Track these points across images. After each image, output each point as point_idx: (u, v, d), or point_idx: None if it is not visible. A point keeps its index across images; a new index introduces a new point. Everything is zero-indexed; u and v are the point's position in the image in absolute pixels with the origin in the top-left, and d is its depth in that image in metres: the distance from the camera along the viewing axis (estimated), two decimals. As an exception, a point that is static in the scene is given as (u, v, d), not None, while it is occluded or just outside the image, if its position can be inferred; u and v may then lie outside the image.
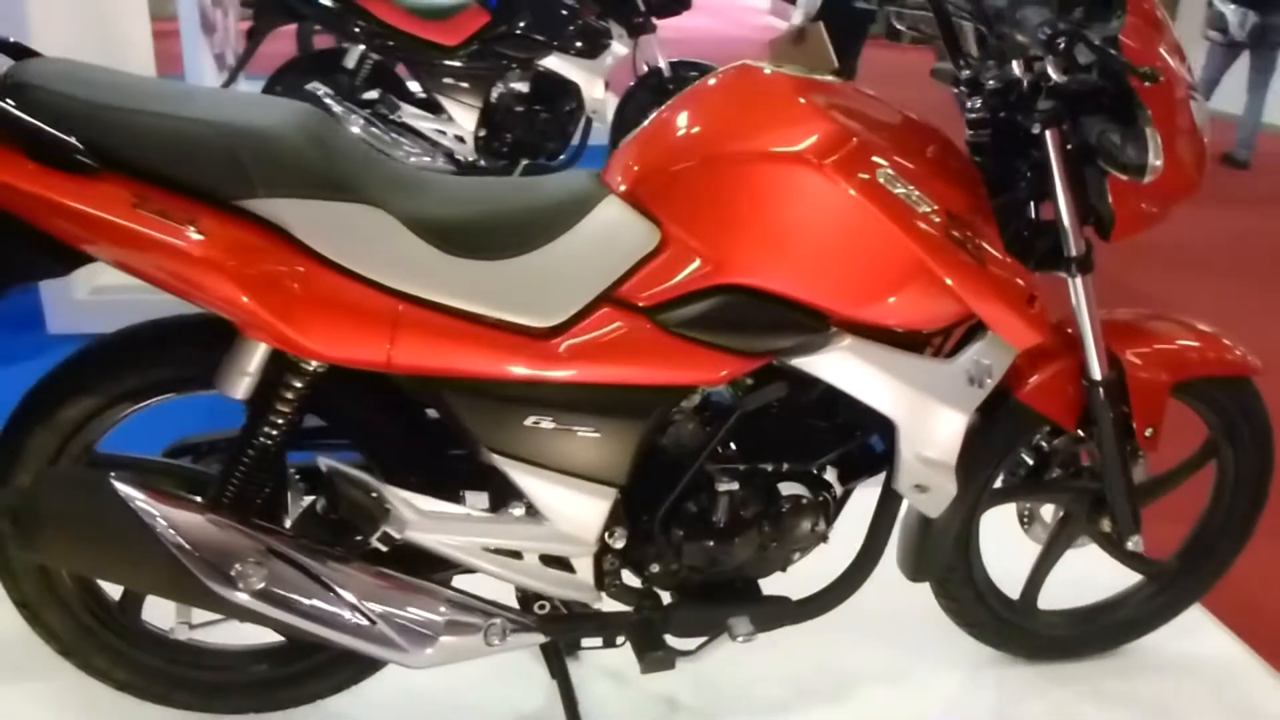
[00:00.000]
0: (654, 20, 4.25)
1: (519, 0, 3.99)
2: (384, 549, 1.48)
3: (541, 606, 1.64)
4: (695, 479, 1.59)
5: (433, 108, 4.03)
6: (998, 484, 1.89)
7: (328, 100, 3.83)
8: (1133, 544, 1.88)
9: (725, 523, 1.60)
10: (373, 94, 3.93)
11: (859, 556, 1.74)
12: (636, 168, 1.47)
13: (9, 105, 1.25)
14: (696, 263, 1.44)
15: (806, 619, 1.74)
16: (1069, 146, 1.56)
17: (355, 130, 3.84)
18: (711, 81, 1.53)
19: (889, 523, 1.73)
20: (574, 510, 1.53)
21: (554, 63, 4.03)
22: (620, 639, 1.68)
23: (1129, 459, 1.80)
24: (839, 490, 1.69)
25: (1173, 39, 1.53)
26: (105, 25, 3.67)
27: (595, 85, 4.06)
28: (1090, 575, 2.05)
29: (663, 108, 1.55)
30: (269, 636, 1.61)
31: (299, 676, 1.72)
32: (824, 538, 1.69)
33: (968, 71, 1.62)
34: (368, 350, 1.37)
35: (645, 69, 4.50)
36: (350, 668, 1.72)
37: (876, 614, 2.05)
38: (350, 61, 3.93)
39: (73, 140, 1.26)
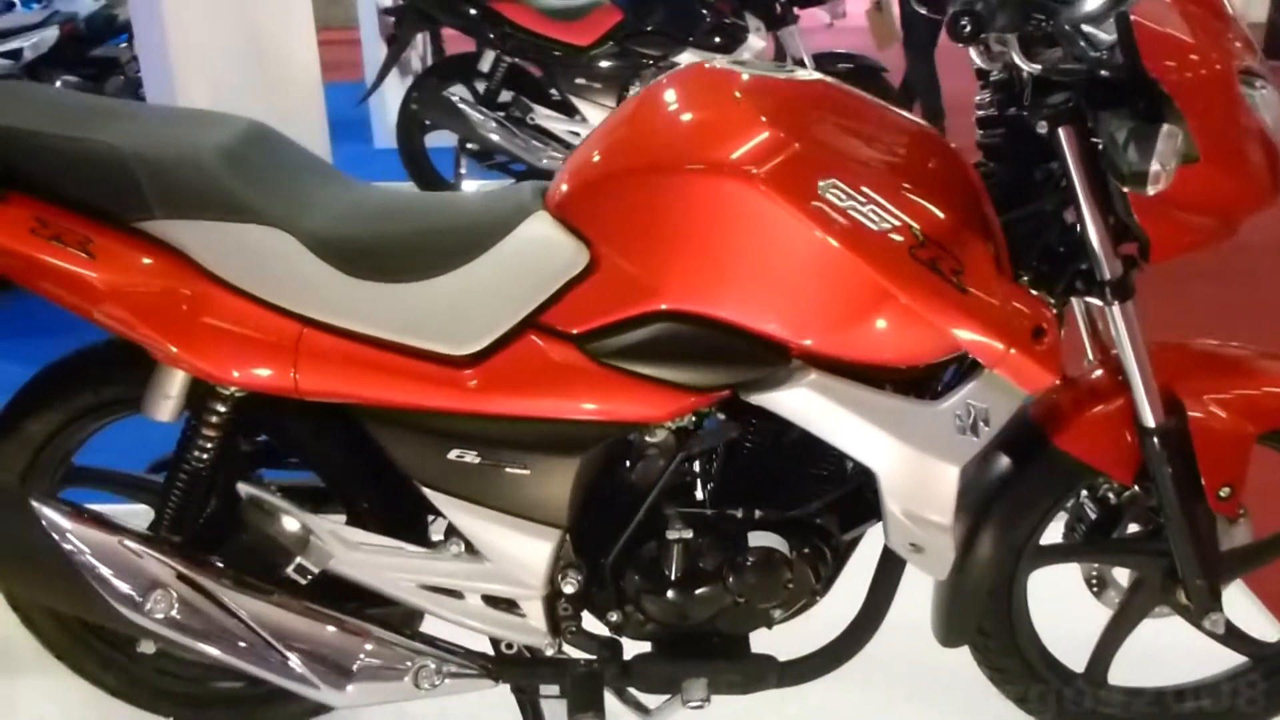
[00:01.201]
0: (795, 10, 4.03)
1: (653, -2, 3.89)
2: (301, 581, 1.42)
3: (509, 648, 1.54)
4: (650, 523, 1.43)
5: (567, 109, 3.98)
6: (1049, 540, 1.64)
7: (463, 106, 3.87)
8: (1210, 623, 1.57)
9: (680, 574, 1.43)
10: (507, 97, 3.93)
11: (858, 618, 1.53)
12: (566, 180, 1.33)
13: None
14: (629, 287, 1.29)
15: (792, 684, 1.54)
16: (1094, 148, 1.29)
17: (492, 136, 3.86)
18: (658, 84, 1.37)
19: (891, 582, 1.51)
20: (514, 550, 1.41)
21: (689, 59, 3.89)
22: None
23: (1203, 520, 1.49)
24: (839, 541, 1.50)
25: (1224, 14, 1.24)
26: (267, 34, 3.87)
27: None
28: (1187, 650, 1.71)
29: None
30: None
31: (273, 696, 1.69)
32: (815, 593, 1.50)
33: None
34: (273, 377, 1.32)
35: (788, 63, 4.29)
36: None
37: (919, 673, 1.84)
38: (485, 65, 3.94)
39: (-21, 163, 1.27)
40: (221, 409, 1.40)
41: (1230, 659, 1.72)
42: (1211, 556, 1.52)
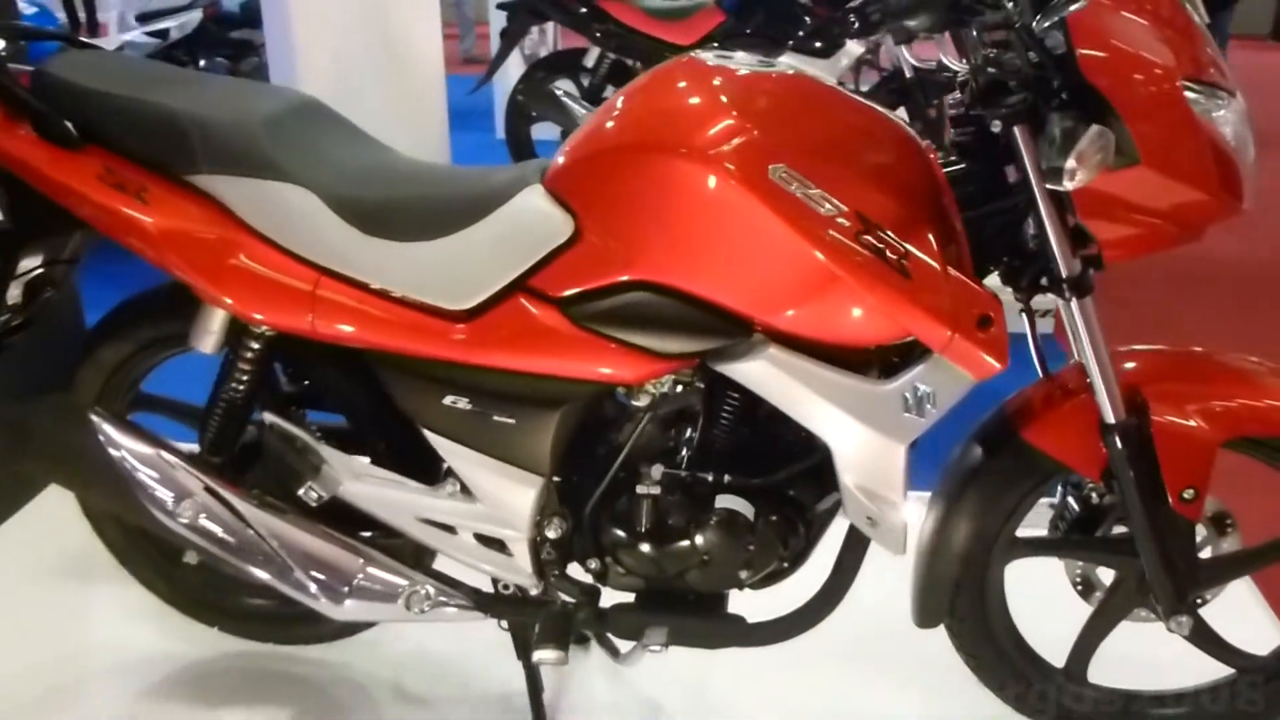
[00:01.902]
0: (893, 18, 4.05)
1: (756, 1, 3.97)
2: (312, 504, 1.59)
3: (506, 588, 1.68)
4: (628, 479, 1.55)
5: (667, 106, 4.10)
6: (1032, 534, 1.69)
7: (566, 99, 4.04)
8: (1175, 624, 1.59)
9: (650, 528, 1.55)
10: (609, 92, 4.09)
11: (823, 589, 1.61)
12: (561, 158, 1.46)
13: (20, 88, 1.49)
14: (607, 256, 1.41)
15: (758, 644, 1.64)
16: None
17: None
18: (648, 74, 1.48)
19: (856, 556, 1.58)
20: (501, 493, 1.55)
21: (788, 61, 3.96)
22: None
23: (1167, 521, 1.52)
24: (812, 514, 1.58)
25: (1178, 23, 1.28)
26: (393, 24, 4.10)
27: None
28: (1185, 657, 1.71)
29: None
30: None
31: (302, 616, 1.87)
32: (782, 559, 1.59)
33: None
34: (291, 318, 1.49)
35: (888, 70, 4.30)
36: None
37: (906, 656, 1.90)
38: (590, 61, 4.10)
39: (61, 118, 1.48)
40: (255, 345, 1.59)
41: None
42: (1178, 558, 1.55)
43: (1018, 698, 1.75)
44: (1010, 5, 1.26)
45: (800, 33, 3.92)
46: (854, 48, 4.00)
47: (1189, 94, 1.27)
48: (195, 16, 4.82)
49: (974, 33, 1.34)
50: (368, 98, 3.70)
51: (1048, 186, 1.27)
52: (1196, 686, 1.74)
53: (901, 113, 3.82)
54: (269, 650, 1.95)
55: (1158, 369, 1.53)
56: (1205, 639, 1.66)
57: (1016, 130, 1.32)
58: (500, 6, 4.39)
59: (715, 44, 4.07)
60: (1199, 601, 1.65)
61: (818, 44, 3.98)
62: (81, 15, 4.93)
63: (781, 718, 1.85)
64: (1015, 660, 1.73)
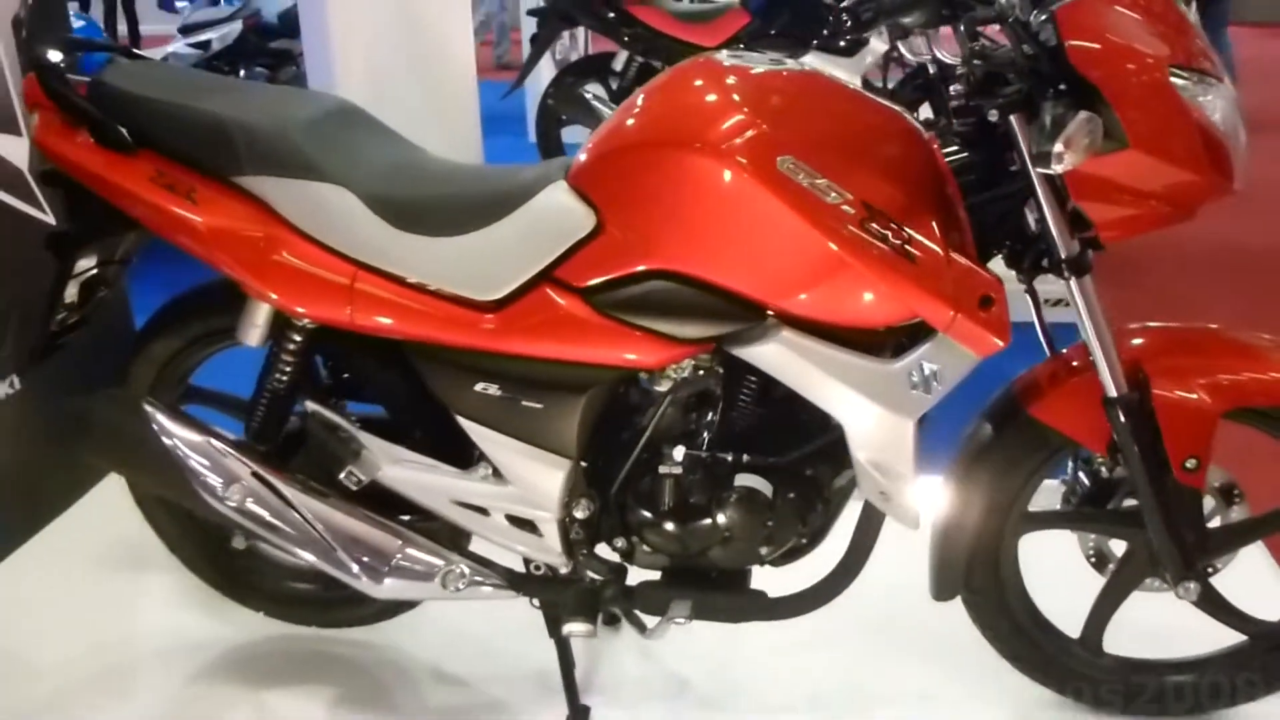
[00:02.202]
0: (916, 18, 4.09)
1: (780, 1, 4.03)
2: (353, 488, 1.68)
3: (537, 568, 1.76)
4: (651, 461, 1.62)
5: (693, 107, 4.18)
6: (1045, 508, 1.75)
7: (596, 103, 4.12)
8: (1183, 590, 1.64)
9: (673, 506, 1.62)
10: (637, 94, 4.16)
11: (841, 563, 1.68)
12: (583, 155, 1.54)
13: (78, 96, 1.60)
14: (627, 247, 1.48)
15: (780, 618, 1.71)
16: None
17: None
18: (665, 73, 1.56)
19: (872, 530, 1.65)
20: (530, 476, 1.63)
21: (812, 61, 4.01)
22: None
23: (1171, 490, 1.57)
24: (829, 491, 1.65)
25: (1164, 12, 1.34)
26: (426, 33, 4.21)
27: (854, 82, 4.01)
28: (1200, 626, 1.77)
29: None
30: None
31: (344, 600, 1.97)
32: (801, 536, 1.65)
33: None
34: (331, 310, 1.58)
35: (913, 66, 4.35)
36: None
37: (925, 632, 1.97)
38: (618, 64, 4.19)
39: (116, 125, 1.58)
40: (297, 338, 1.68)
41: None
42: (1184, 526, 1.60)
43: (1034, 669, 1.81)
44: (1002, 1, 1.32)
45: (825, 32, 3.98)
46: (878, 45, 4.04)
47: (1177, 80, 1.33)
48: (236, 28, 4.97)
49: (962, 27, 1.40)
50: (404, 104, 3.80)
51: (1040, 170, 1.33)
52: (1209, 654, 1.79)
53: (926, 109, 3.88)
54: (311, 633, 2.04)
55: (1158, 344, 1.58)
56: (1216, 605, 1.71)
57: (1013, 119, 1.39)
58: (531, 13, 4.48)
59: (741, 45, 4.14)
60: (1210, 570, 1.70)
61: (841, 43, 4.04)
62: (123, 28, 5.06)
63: (804, 693, 1.90)
64: (1031, 632, 1.79)
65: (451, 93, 4.41)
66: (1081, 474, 1.73)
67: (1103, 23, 1.31)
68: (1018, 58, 1.36)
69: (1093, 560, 1.78)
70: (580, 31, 5.29)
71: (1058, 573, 1.76)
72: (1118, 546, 1.76)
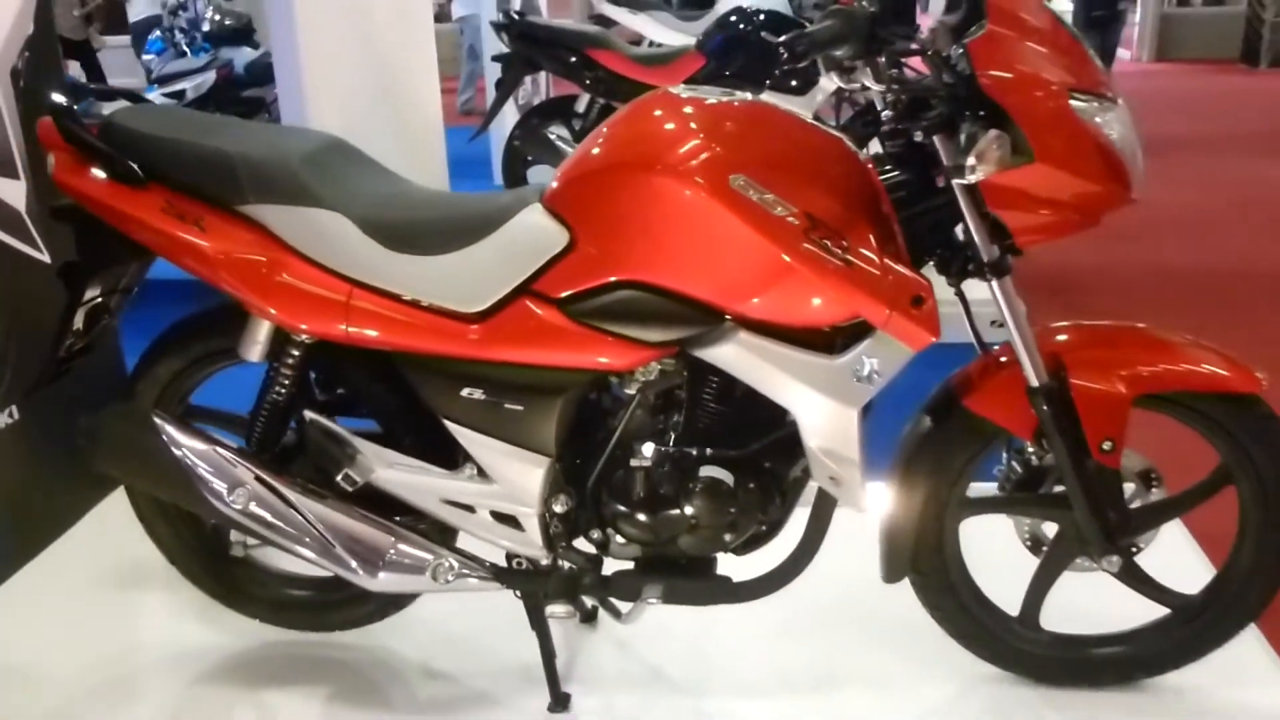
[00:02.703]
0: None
1: (734, 44, 4.25)
2: (349, 490, 1.82)
3: (520, 562, 1.90)
4: (623, 457, 1.78)
5: (653, 146, 4.38)
6: (982, 494, 1.92)
7: (560, 143, 4.31)
8: (1107, 565, 1.82)
9: (643, 498, 1.77)
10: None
11: (797, 547, 1.83)
12: (556, 179, 1.71)
13: (92, 136, 1.75)
14: (597, 261, 1.65)
15: (744, 600, 1.85)
16: None
17: None
18: (629, 106, 1.73)
19: (825, 516, 1.81)
20: (512, 474, 1.78)
21: (769, 99, 4.24)
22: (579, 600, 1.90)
23: (1091, 471, 1.75)
24: (786, 483, 1.81)
25: (1064, 44, 1.54)
26: (395, 83, 4.39)
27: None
28: (1134, 605, 1.94)
29: None
30: (316, 570, 1.97)
31: (337, 603, 2.10)
32: (763, 523, 1.81)
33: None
34: (329, 325, 1.73)
35: (861, 104, 4.59)
36: (378, 599, 2.07)
37: (887, 619, 2.12)
38: (581, 106, 4.38)
39: (128, 161, 1.73)
40: (296, 353, 1.83)
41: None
42: (1104, 503, 1.77)
43: (977, 645, 1.97)
44: (923, 36, 1.51)
45: (776, 72, 4.20)
46: (826, 84, 4.28)
47: (1077, 102, 1.52)
48: (210, 78, 5.15)
49: (882, 59, 1.59)
50: (373, 149, 3.96)
51: (957, 182, 1.52)
52: (1136, 627, 1.96)
53: (875, 144, 4.10)
54: (306, 637, 2.16)
55: (1076, 339, 1.76)
56: (1138, 580, 1.88)
57: (936, 139, 1.58)
58: (495, 59, 4.68)
59: (699, 84, 4.36)
60: (1134, 549, 1.88)
61: (793, 82, 4.26)
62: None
63: (773, 676, 2.05)
64: (974, 610, 1.95)
65: (420, 139, 4.58)
66: (1015, 462, 1.91)
67: (1010, 54, 1.51)
68: (938, 85, 1.55)
69: (1029, 544, 1.95)
70: (543, 77, 5.51)
71: (1001, 556, 1.93)
72: (1050, 529, 1.92)
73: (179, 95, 5.03)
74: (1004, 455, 1.92)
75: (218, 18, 5.81)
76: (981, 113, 1.53)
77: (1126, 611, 1.95)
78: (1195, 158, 8.02)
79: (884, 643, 2.11)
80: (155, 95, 5.04)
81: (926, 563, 1.90)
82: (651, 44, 5.71)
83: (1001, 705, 1.95)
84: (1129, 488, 1.85)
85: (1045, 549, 1.92)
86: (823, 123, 1.91)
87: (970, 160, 1.46)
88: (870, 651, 2.10)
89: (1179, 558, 2.19)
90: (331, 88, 3.77)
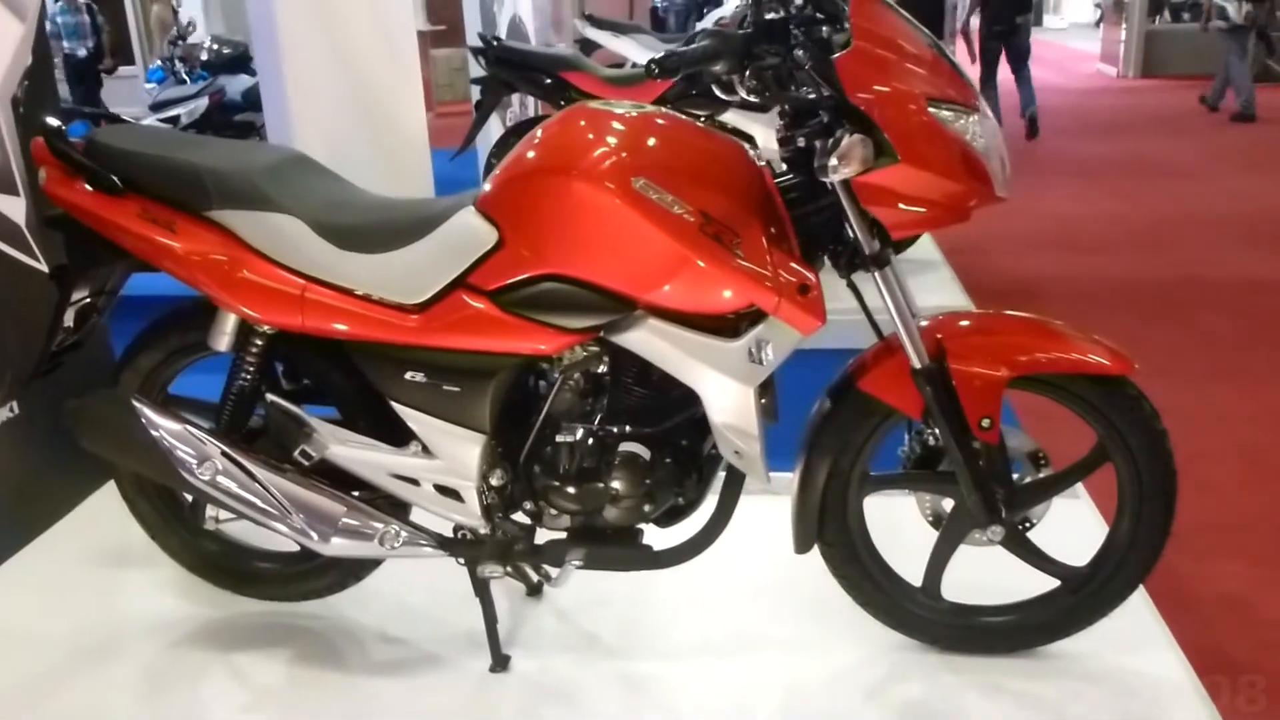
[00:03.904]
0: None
1: (701, 65, 4.46)
2: (306, 464, 2.02)
3: (463, 534, 2.10)
4: (551, 434, 1.97)
5: (626, 163, 4.59)
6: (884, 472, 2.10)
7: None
8: (990, 534, 1.99)
9: (568, 472, 1.96)
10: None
11: (710, 519, 2.02)
12: (487, 184, 1.91)
13: (76, 153, 1.97)
14: (523, 257, 1.85)
15: (664, 566, 2.04)
16: None
17: None
18: (550, 119, 1.94)
19: (734, 490, 2.00)
20: (452, 450, 1.97)
21: (732, 117, 4.45)
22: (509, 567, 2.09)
23: (970, 447, 1.93)
24: (701, 458, 2.00)
25: (926, 60, 1.74)
26: (382, 109, 4.60)
27: (769, 136, 4.42)
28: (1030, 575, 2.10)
29: None
30: (284, 543, 2.16)
31: (300, 575, 2.30)
32: (680, 496, 2.00)
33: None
34: (286, 317, 1.93)
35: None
36: (337, 571, 2.27)
37: (804, 592, 2.30)
38: (556, 126, 4.59)
39: (108, 174, 1.95)
40: (259, 342, 2.03)
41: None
42: (986, 476, 1.95)
43: (882, 612, 2.15)
44: (799, 53, 1.72)
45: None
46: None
47: (941, 111, 1.72)
48: (202, 104, 5.41)
49: (746, 74, 1.79)
50: (360, 170, 4.15)
51: (824, 180, 1.71)
52: (1027, 599, 2.13)
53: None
54: (274, 607, 2.37)
55: (957, 326, 1.95)
56: (1026, 550, 2.06)
57: (818, 144, 1.77)
58: (474, 81, 4.91)
59: (668, 104, 4.58)
60: (1026, 524, 2.06)
61: (756, 100, 4.47)
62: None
63: (697, 643, 2.23)
64: (878, 579, 2.13)
65: (405, 160, 4.78)
66: (914, 443, 2.09)
67: (873, 69, 1.71)
68: (817, 96, 1.75)
69: (930, 519, 2.13)
70: (531, 98, 5.73)
71: (914, 533, 2.12)
72: (948, 505, 2.10)
73: (174, 120, 5.29)
74: (905, 436, 2.11)
75: (215, 47, 6.10)
76: (852, 120, 1.73)
77: (1038, 585, 2.12)
78: (1166, 173, 8.22)
79: (800, 612, 2.29)
80: (151, 120, 5.30)
81: (833, 534, 2.08)
82: (635, 65, 5.94)
83: (903, 668, 2.13)
84: (1020, 468, 2.04)
85: (943, 523, 2.11)
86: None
87: (832, 161, 1.66)
88: (787, 620, 2.28)
89: (1084, 531, 2.36)
90: (317, 112, 3.97)
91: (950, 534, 2.09)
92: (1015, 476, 2.02)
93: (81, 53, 9.93)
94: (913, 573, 2.13)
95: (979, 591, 2.13)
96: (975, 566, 2.10)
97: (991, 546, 2.05)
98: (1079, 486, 2.67)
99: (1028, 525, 2.07)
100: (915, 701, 2.03)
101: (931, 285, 4.89)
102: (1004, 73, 9.59)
